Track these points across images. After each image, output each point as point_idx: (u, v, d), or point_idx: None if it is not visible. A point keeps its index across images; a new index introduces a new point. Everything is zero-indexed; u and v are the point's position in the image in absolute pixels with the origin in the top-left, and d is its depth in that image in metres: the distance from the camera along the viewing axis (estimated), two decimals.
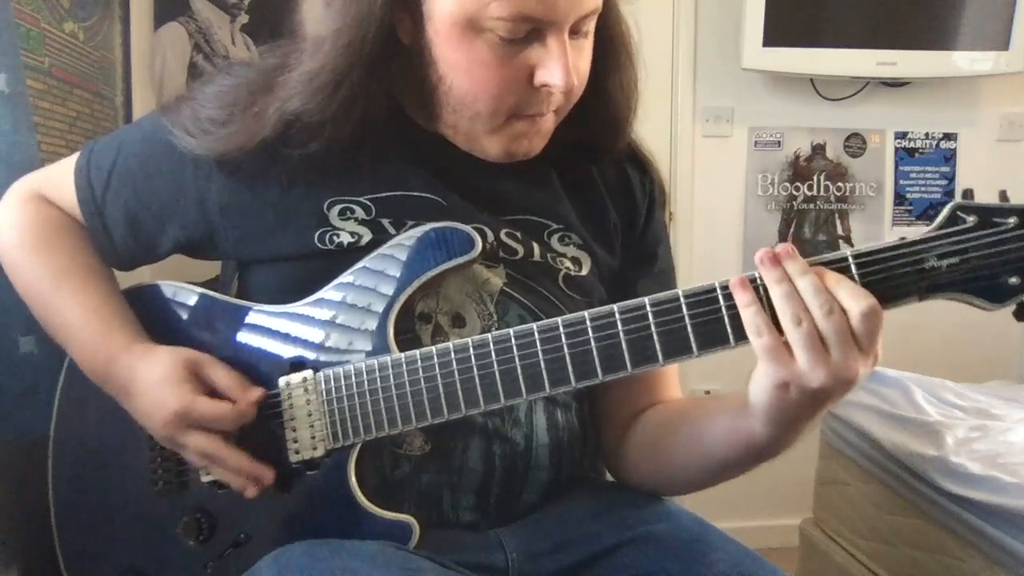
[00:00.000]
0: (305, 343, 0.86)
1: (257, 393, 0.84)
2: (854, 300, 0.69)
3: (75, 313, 0.90)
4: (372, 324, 0.83)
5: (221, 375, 0.85)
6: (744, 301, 0.71)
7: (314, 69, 0.83)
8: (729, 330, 0.72)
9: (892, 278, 0.71)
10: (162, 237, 0.93)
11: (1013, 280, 0.70)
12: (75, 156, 0.96)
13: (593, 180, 0.98)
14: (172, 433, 0.84)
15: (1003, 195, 0.72)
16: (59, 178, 0.96)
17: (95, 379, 0.90)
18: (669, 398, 0.98)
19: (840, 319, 0.68)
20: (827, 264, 0.71)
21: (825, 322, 0.68)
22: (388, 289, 0.83)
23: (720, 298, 0.73)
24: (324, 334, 0.85)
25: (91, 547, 0.93)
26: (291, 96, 0.83)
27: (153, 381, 0.84)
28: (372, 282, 0.84)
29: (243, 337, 0.88)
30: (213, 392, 0.84)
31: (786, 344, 0.70)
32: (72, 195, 0.94)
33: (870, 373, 0.72)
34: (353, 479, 0.82)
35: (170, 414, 0.82)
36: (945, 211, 0.72)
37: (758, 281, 0.71)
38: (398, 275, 0.83)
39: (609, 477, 1.02)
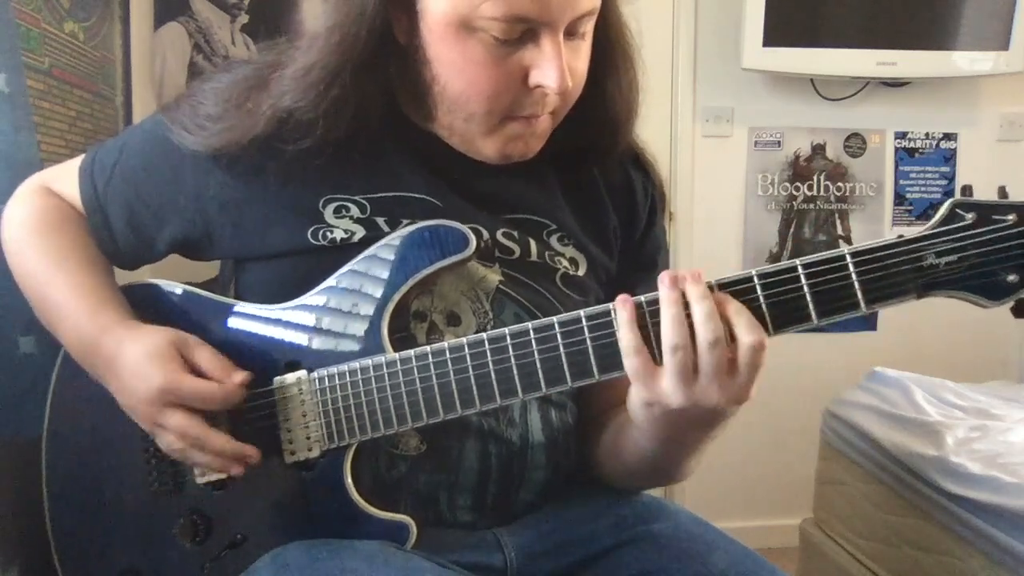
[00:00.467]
0: (300, 342, 0.85)
1: (242, 375, 0.82)
2: (747, 331, 0.70)
3: (70, 290, 0.90)
4: (366, 323, 0.83)
5: (206, 356, 0.83)
6: (622, 320, 0.73)
7: (307, 65, 0.82)
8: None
9: (890, 276, 0.71)
10: (160, 234, 0.93)
11: (1012, 278, 0.70)
12: (82, 157, 0.97)
13: (594, 181, 0.97)
14: (153, 411, 0.82)
15: (1002, 191, 0.71)
16: (66, 176, 0.97)
17: (83, 356, 0.89)
18: None
19: (721, 353, 0.70)
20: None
21: (706, 353, 0.70)
22: (381, 288, 0.83)
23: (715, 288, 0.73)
24: (318, 333, 0.85)
25: (87, 549, 0.93)
26: (284, 92, 0.83)
27: (139, 356, 0.83)
28: (365, 281, 0.84)
29: (238, 337, 0.88)
30: (198, 374, 0.83)
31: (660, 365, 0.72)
32: (77, 193, 0.95)
33: (734, 409, 0.73)
34: (349, 479, 0.82)
35: (154, 390, 0.81)
36: (943, 208, 0.71)
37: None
38: (392, 274, 0.83)
39: None
